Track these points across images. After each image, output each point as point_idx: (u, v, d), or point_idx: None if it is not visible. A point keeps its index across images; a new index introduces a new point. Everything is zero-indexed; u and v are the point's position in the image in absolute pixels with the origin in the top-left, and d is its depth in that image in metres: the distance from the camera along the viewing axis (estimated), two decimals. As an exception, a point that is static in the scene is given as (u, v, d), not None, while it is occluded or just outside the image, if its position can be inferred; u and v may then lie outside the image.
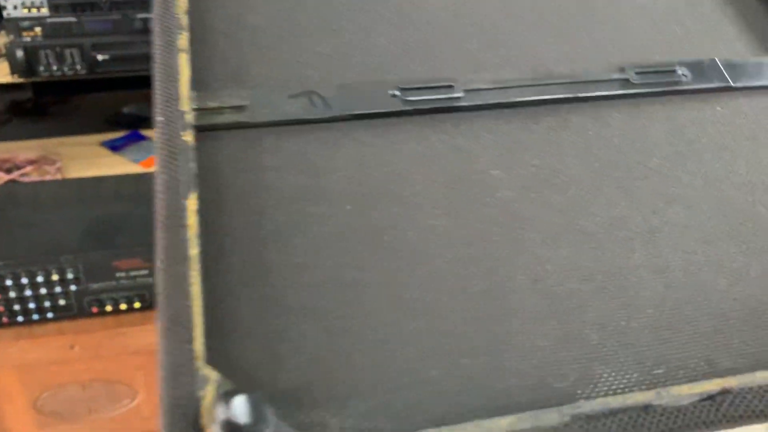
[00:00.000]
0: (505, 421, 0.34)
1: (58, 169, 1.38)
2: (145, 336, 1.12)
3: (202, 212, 0.39)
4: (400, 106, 0.46)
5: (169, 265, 0.35)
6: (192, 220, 0.37)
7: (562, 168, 0.46)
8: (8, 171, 1.34)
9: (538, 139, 0.47)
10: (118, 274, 1.10)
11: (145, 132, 1.49)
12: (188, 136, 0.40)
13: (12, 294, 1.07)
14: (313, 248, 0.39)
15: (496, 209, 0.43)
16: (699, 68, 0.53)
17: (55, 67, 1.31)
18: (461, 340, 0.38)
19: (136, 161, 1.40)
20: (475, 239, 0.42)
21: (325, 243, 0.40)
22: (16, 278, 1.06)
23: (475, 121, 0.47)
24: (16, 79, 1.35)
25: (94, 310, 1.10)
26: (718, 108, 0.51)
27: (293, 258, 0.39)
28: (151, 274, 1.11)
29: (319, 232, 0.40)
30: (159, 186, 0.39)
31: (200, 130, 0.43)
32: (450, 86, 0.47)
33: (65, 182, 1.28)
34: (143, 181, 1.25)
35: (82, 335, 1.09)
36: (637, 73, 0.51)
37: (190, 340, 0.33)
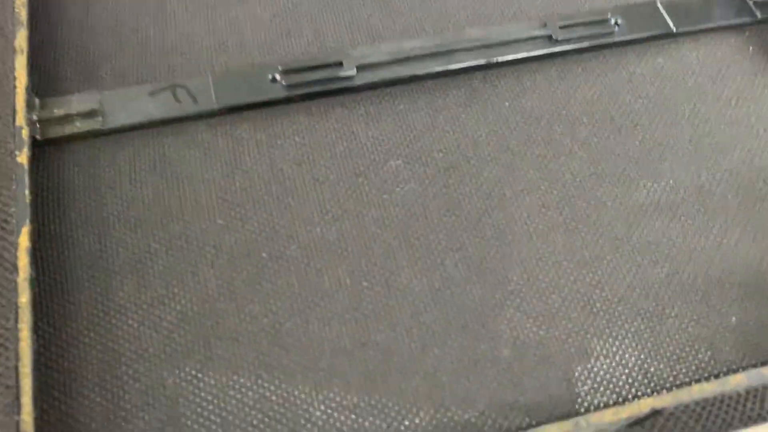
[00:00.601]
0: None
1: None
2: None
3: (44, 245, 0.34)
4: (281, 93, 0.40)
5: None
6: (24, 261, 0.32)
7: (472, 153, 0.39)
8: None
9: (445, 119, 0.40)
10: None
11: None
12: (23, 157, 0.34)
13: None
14: (177, 276, 0.34)
15: (394, 210, 0.37)
16: (635, 14, 0.45)
17: None
18: (346, 374, 0.32)
19: None
20: (369, 250, 0.36)
21: (191, 268, 0.34)
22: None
23: (370, 103, 0.40)
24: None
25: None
26: (660, 60, 0.44)
27: (153, 291, 0.33)
28: None
29: (183, 256, 0.35)
30: None
31: (46, 144, 0.37)
32: (339, 63, 0.41)
33: None
34: None
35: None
36: (561, 28, 0.43)
37: (16, 410, 0.28)
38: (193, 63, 0.41)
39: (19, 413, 0.28)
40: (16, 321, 0.30)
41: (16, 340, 0.30)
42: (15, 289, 0.31)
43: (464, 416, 0.32)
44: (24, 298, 0.31)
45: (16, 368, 0.29)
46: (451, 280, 0.35)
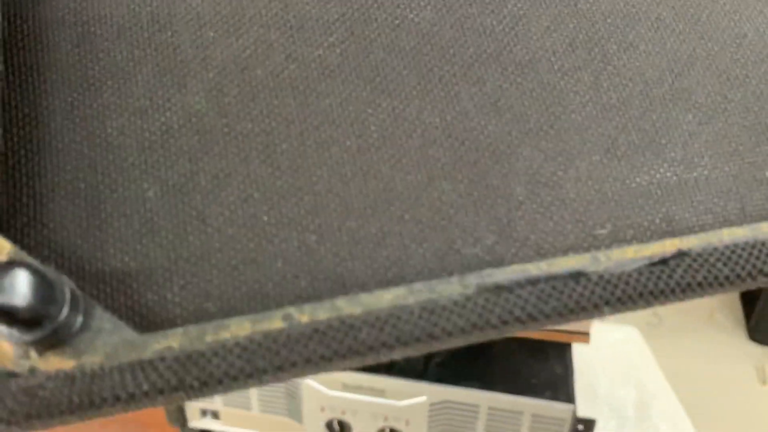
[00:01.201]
0: (389, 294, 0.26)
1: None
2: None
3: (14, 42, 0.31)
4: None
5: None
6: None
7: None
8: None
9: None
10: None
11: None
12: None
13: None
14: (162, 88, 0.31)
15: (406, 37, 0.33)
16: None
17: None
18: (345, 198, 0.30)
19: None
20: (373, 73, 0.33)
21: (177, 80, 0.31)
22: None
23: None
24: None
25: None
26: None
27: (135, 100, 0.31)
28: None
29: (169, 67, 0.32)
30: None
31: None
32: None
33: None
34: None
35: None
36: None
37: None
38: None
39: None
40: None
41: None
42: None
43: (471, 250, 0.29)
44: None
45: None
46: (464, 114, 0.32)
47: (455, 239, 0.29)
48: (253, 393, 0.81)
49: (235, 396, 0.82)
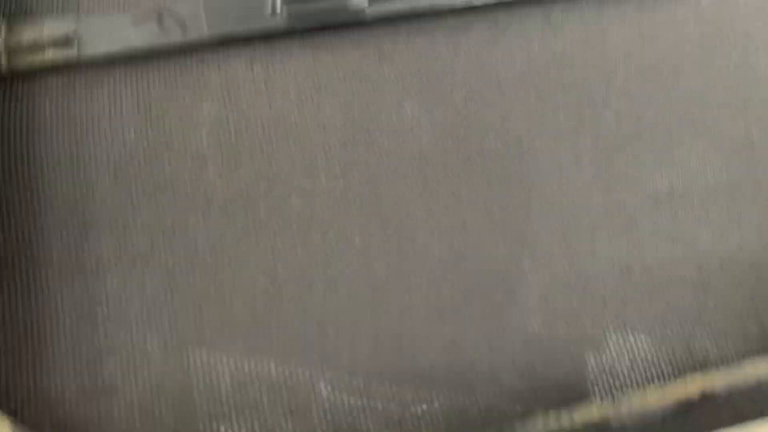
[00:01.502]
0: None
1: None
2: None
3: (10, 192, 0.30)
4: (282, 23, 0.35)
5: None
6: None
7: (496, 100, 0.34)
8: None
9: (467, 59, 0.36)
10: None
11: None
12: None
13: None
14: (163, 231, 0.30)
15: (409, 160, 0.32)
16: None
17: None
18: (353, 342, 0.29)
19: None
20: (380, 205, 0.31)
21: (179, 222, 0.30)
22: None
23: (383, 39, 0.36)
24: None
25: None
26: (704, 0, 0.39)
27: (136, 247, 0.29)
28: None
29: (170, 208, 0.30)
30: None
31: (12, 75, 0.32)
32: None
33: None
34: None
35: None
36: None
37: None
38: (182, -13, 0.36)
39: None
40: None
41: None
42: None
43: (488, 393, 0.29)
44: None
45: None
46: (472, 240, 0.31)
47: (473, 384, 0.29)
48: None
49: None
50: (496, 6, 0.37)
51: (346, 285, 0.30)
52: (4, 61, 0.32)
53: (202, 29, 0.34)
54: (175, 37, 0.34)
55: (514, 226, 0.31)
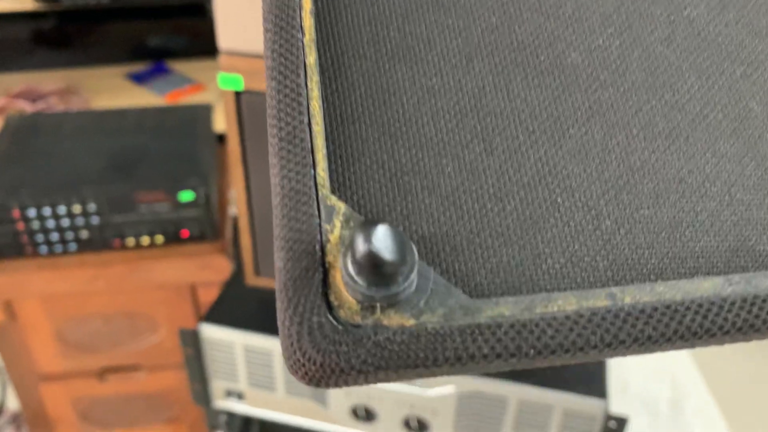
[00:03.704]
0: (707, 283, 0.26)
1: (83, 100, 1.36)
2: (168, 271, 1.09)
3: (319, 15, 0.32)
4: None
5: (281, 74, 0.28)
6: (308, 22, 0.30)
7: None
8: (33, 101, 1.33)
9: None
10: (140, 207, 1.07)
11: (170, 64, 1.45)
12: None
13: (35, 225, 1.06)
14: (450, 68, 0.31)
15: (683, 32, 0.33)
16: None
17: (78, -5, 1.28)
18: (640, 186, 0.29)
19: (160, 94, 1.37)
20: (653, 66, 0.32)
21: (465, 62, 0.31)
22: (39, 209, 1.04)
23: None
24: (39, 7, 1.33)
25: (116, 243, 1.08)
26: None
27: (425, 79, 0.31)
28: (173, 208, 1.08)
29: (458, 49, 0.32)
30: None
31: None
32: None
33: (89, 113, 1.26)
34: (167, 114, 1.21)
35: (105, 268, 1.07)
36: None
37: (311, 164, 0.27)
38: None
39: (314, 167, 0.26)
40: (306, 78, 0.28)
41: (308, 98, 0.28)
42: (302, 49, 0.29)
43: (765, 247, 0.28)
44: (311, 58, 0.29)
45: (309, 125, 0.27)
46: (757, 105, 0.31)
47: (749, 235, 0.28)
48: (279, 374, 0.83)
49: (260, 377, 0.84)
50: None
51: (625, 134, 0.30)
52: None
53: None
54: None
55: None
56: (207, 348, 0.83)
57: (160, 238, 1.10)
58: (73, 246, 1.09)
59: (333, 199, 0.26)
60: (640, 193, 0.29)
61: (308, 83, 0.28)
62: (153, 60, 1.44)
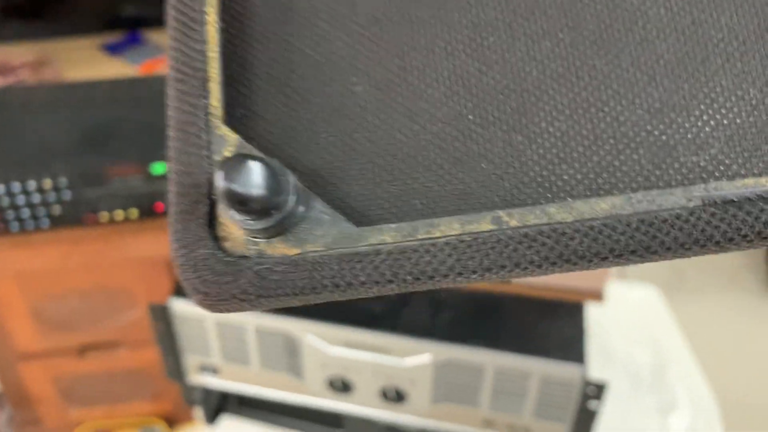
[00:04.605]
0: (605, 204, 0.24)
1: (56, 73, 1.33)
2: (144, 245, 1.07)
3: None
4: None
5: (179, 2, 0.27)
6: None
7: None
8: (4, 75, 1.30)
9: None
10: (113, 181, 1.05)
11: (144, 34, 1.42)
12: None
13: (4, 202, 1.04)
14: None
15: None
16: None
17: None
18: (554, 97, 0.26)
19: (135, 64, 1.34)
20: None
21: None
22: (8, 185, 1.02)
23: None
24: (5, -22, 1.30)
25: (90, 218, 1.06)
26: None
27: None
28: (146, 181, 1.05)
29: None
30: None
31: None
32: None
33: (61, 86, 1.23)
34: (141, 85, 1.18)
35: (79, 244, 1.05)
36: None
37: (204, 94, 0.26)
38: None
39: (207, 97, 0.26)
40: (202, 4, 0.27)
41: (203, 23, 0.27)
42: None
43: (693, 158, 0.25)
44: None
45: (204, 52, 0.26)
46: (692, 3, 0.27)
47: (676, 145, 0.25)
48: (253, 348, 0.81)
49: (234, 351, 0.83)
50: None
51: (550, 40, 0.27)
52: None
53: None
54: None
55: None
56: (178, 323, 0.81)
57: (134, 212, 1.07)
58: (45, 222, 1.07)
59: (223, 129, 0.25)
60: (558, 104, 0.26)
61: (205, 8, 0.27)
62: (127, 30, 1.41)
